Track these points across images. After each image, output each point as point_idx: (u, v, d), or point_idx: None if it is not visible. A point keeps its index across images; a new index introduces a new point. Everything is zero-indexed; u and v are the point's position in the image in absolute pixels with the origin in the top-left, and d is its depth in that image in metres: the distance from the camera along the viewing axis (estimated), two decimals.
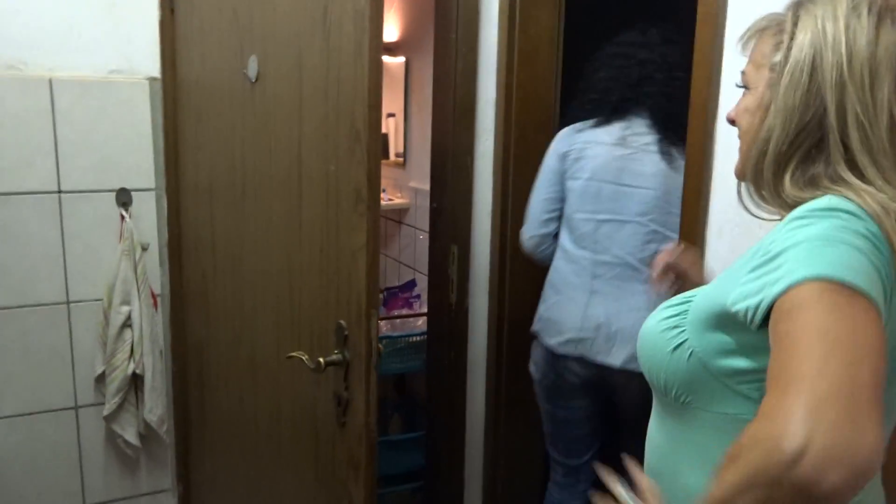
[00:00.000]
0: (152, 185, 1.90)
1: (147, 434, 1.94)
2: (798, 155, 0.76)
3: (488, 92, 2.11)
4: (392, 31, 3.04)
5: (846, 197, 0.71)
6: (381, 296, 2.88)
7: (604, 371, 1.76)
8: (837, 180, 0.73)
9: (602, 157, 1.76)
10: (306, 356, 1.41)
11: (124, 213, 1.85)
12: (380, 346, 1.38)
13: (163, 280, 1.95)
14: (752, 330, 0.69)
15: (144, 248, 1.88)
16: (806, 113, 0.75)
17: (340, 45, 1.29)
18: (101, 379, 1.88)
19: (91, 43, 1.80)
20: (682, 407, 0.84)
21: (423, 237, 2.68)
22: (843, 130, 0.74)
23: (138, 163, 1.87)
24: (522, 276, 2.19)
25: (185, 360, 1.98)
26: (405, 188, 3.00)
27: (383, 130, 3.26)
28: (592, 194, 1.77)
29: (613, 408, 1.91)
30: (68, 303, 1.87)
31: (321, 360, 1.35)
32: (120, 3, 1.81)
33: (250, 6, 1.53)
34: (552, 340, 1.85)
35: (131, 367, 1.84)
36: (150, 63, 1.84)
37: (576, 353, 1.79)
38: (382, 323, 2.62)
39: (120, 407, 1.86)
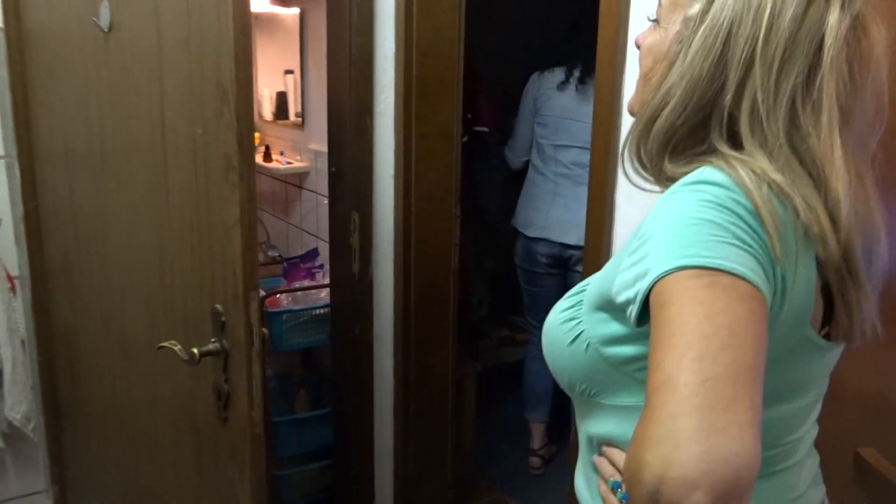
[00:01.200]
0: (2, 152, 1.65)
1: (11, 433, 1.73)
2: (686, 129, 0.68)
3: (386, 45, 1.95)
4: None
5: (718, 167, 0.63)
6: (280, 266, 2.70)
7: (562, 248, 2.44)
8: (712, 152, 0.66)
9: (554, 100, 2.44)
10: (179, 346, 1.24)
11: None
12: (264, 331, 1.23)
13: (20, 260, 1.72)
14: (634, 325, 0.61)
15: None
16: (707, 87, 0.66)
17: None
18: None
19: None
20: (589, 402, 0.78)
21: (326, 203, 2.52)
22: (735, 114, 0.65)
23: None
24: (428, 243, 2.07)
25: (52, 350, 1.77)
26: (305, 150, 2.81)
27: (281, 88, 3.04)
28: (552, 128, 2.45)
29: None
30: None
31: (195, 350, 1.20)
32: None
33: None
34: (528, 231, 2.53)
35: None
36: None
37: (542, 236, 2.48)
38: (283, 296, 2.45)
39: None
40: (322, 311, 2.41)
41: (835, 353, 0.74)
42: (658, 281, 0.57)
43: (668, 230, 0.60)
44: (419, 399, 2.17)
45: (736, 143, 0.65)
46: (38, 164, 1.66)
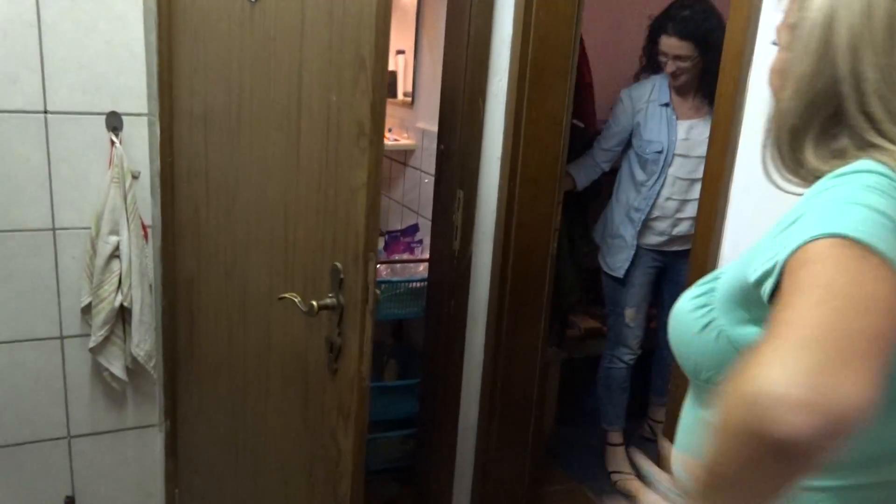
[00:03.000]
0: (145, 111, 1.79)
1: (134, 368, 1.88)
2: (814, 127, 0.69)
3: (504, 29, 1.99)
4: None
5: (876, 159, 0.64)
6: (381, 239, 2.80)
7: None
8: (866, 147, 0.66)
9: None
10: (299, 298, 1.33)
11: (114, 138, 1.75)
12: (377, 291, 1.30)
13: (154, 211, 1.86)
14: (767, 302, 0.62)
15: (135, 177, 1.79)
16: (818, 81, 0.68)
17: None
18: (87, 310, 1.81)
19: None
20: (713, 390, 0.78)
21: (429, 181, 2.58)
22: (860, 100, 0.66)
23: (131, 85, 1.76)
24: (529, 226, 2.11)
25: (175, 295, 1.91)
26: (412, 129, 2.89)
27: (392, 68, 3.13)
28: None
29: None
30: (54, 229, 1.78)
31: (314, 303, 1.28)
32: None
33: None
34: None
35: (119, 299, 1.77)
36: None
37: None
38: (382, 267, 2.54)
39: (107, 340, 1.80)
40: (418, 284, 2.49)
41: None
42: (808, 243, 0.57)
43: (824, 207, 0.60)
44: (506, 379, 2.21)
45: (886, 137, 0.65)
46: (178, 123, 1.79)
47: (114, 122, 1.76)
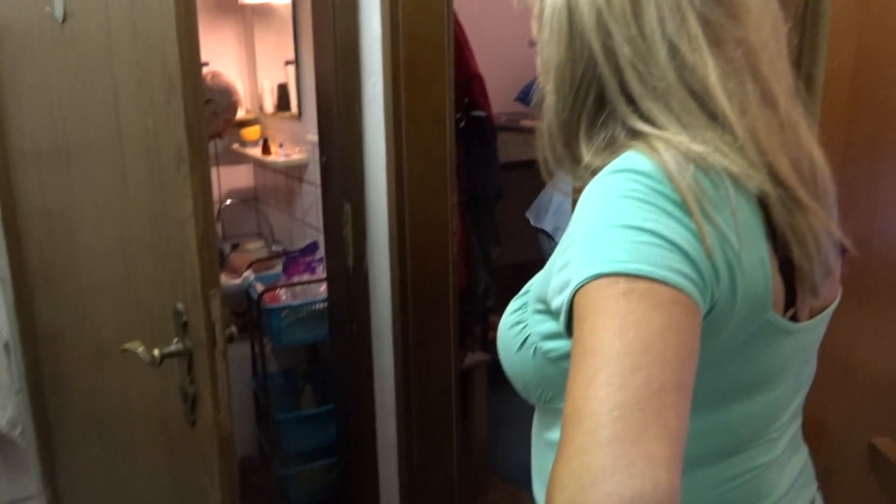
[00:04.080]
0: None
1: None
2: (583, 120, 0.64)
3: (373, 27, 1.88)
4: None
5: (641, 152, 0.58)
6: (279, 261, 2.65)
7: None
8: (630, 135, 0.61)
9: None
10: (142, 347, 1.19)
11: None
12: (232, 329, 1.17)
13: (1, 262, 1.69)
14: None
15: None
16: (576, 68, 0.63)
17: None
18: None
19: None
20: (548, 408, 0.72)
21: None
22: (619, 79, 0.61)
23: None
24: (423, 231, 2.00)
25: (37, 351, 1.73)
26: (303, 142, 2.75)
27: (282, 80, 2.99)
28: None
29: None
30: None
31: (156, 352, 1.14)
32: None
33: None
34: None
35: None
36: None
37: None
38: (281, 291, 2.40)
39: None
40: (322, 305, 2.36)
41: (810, 335, 0.66)
42: (577, 291, 0.52)
43: (588, 232, 0.55)
44: (421, 394, 2.10)
45: (647, 120, 0.59)
46: (13, 163, 1.62)
47: None
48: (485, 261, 2.65)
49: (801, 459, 0.73)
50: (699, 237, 0.53)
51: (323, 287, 2.38)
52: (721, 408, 0.62)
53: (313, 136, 2.63)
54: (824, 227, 0.61)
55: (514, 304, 0.73)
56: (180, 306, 1.14)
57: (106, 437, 1.50)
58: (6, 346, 1.68)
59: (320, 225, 2.70)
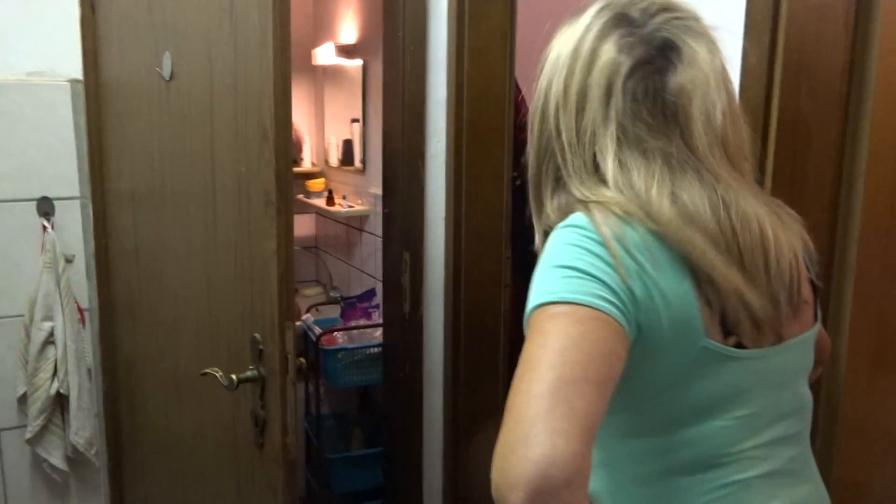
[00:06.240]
0: (77, 194, 1.79)
1: (76, 458, 1.82)
2: (548, 182, 0.79)
3: (439, 92, 2.02)
4: (350, 32, 2.95)
5: (581, 212, 0.73)
6: (338, 306, 2.77)
7: None
8: (574, 199, 0.76)
9: None
10: (220, 373, 1.30)
11: (46, 223, 1.74)
12: (302, 360, 1.28)
13: (90, 294, 1.84)
14: None
15: (69, 260, 1.77)
16: (542, 139, 0.79)
17: (247, 36, 1.19)
18: (23, 400, 1.77)
19: (8, 42, 1.69)
20: None
21: None
22: (563, 155, 0.77)
23: (61, 170, 1.76)
24: (478, 284, 2.09)
25: (116, 378, 1.87)
26: (365, 194, 2.90)
27: (348, 136, 3.17)
28: None
29: None
30: None
31: (233, 377, 1.25)
32: (37, 1, 1.70)
33: None
34: None
35: (55, 386, 1.73)
36: (71, 64, 1.74)
37: None
38: (339, 334, 2.51)
39: (44, 429, 1.75)
40: (376, 350, 2.45)
41: (772, 361, 0.74)
42: (527, 320, 0.67)
43: (538, 272, 0.70)
44: (469, 439, 2.16)
45: (580, 182, 0.76)
46: (109, 204, 1.79)
47: (45, 208, 1.75)
48: None
49: (807, 490, 0.78)
50: (615, 268, 0.67)
51: (378, 332, 2.47)
52: (682, 427, 0.72)
53: (375, 189, 2.77)
54: (737, 286, 0.70)
55: None
56: (258, 336, 1.25)
57: (177, 460, 1.60)
58: (89, 371, 1.82)
59: (377, 273, 2.82)
